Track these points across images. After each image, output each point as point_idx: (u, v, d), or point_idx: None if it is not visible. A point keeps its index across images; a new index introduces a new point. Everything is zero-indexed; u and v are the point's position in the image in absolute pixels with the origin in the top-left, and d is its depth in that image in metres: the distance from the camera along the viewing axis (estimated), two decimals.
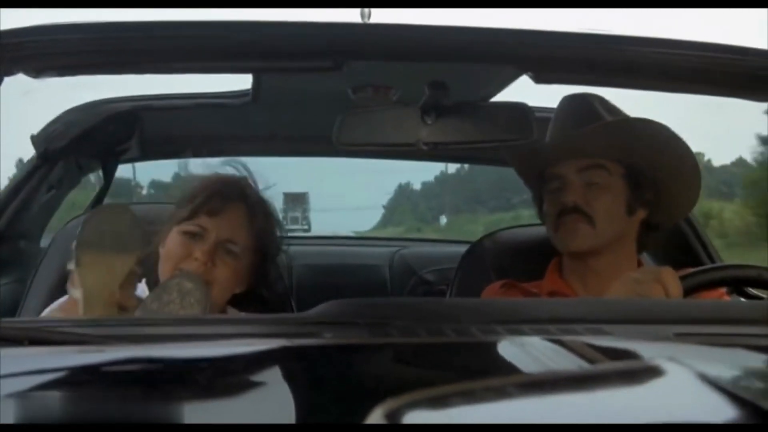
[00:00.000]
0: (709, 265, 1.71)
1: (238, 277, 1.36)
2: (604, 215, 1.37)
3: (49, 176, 1.96)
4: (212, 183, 1.38)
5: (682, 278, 1.16)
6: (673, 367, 0.50)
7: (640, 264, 1.48)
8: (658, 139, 1.39)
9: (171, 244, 1.34)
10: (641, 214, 1.42)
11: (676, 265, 1.25)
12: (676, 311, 0.95)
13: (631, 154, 1.38)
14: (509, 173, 1.66)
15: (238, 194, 1.38)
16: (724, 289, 1.38)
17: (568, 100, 1.47)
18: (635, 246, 1.45)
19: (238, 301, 1.41)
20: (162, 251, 1.36)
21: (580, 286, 1.44)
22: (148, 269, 1.39)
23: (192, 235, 1.32)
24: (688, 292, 1.16)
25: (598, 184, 1.38)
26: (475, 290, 1.60)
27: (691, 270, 1.21)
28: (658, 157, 1.39)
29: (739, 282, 1.27)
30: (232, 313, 1.38)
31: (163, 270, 1.34)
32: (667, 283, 1.13)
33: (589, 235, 1.37)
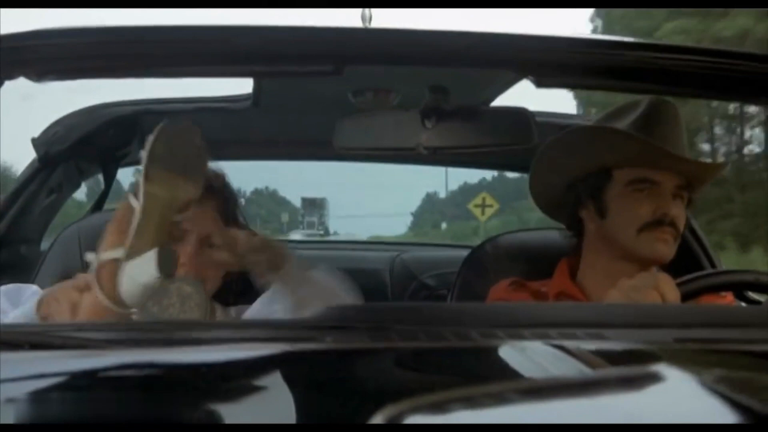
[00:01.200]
0: (706, 271, 1.71)
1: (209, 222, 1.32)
2: (681, 230, 1.40)
3: (49, 180, 1.96)
4: None
5: (679, 284, 1.16)
6: (672, 372, 0.50)
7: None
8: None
9: None
10: None
11: (677, 270, 1.25)
12: (676, 316, 0.95)
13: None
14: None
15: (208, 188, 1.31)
16: (728, 295, 1.38)
17: (664, 105, 1.44)
18: None
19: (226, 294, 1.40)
20: None
21: (601, 289, 1.42)
22: None
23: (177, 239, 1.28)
24: (686, 297, 1.16)
25: (680, 201, 1.40)
26: (476, 294, 1.60)
27: (688, 276, 1.21)
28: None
29: (736, 287, 1.27)
30: (218, 310, 1.38)
31: None
32: (663, 290, 1.13)
33: (674, 248, 1.39)
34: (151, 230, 1.07)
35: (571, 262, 1.49)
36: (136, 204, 1.08)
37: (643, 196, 1.38)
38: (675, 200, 1.38)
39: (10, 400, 0.57)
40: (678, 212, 1.38)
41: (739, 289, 1.30)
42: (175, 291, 1.16)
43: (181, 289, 1.17)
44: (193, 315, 1.15)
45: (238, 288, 1.43)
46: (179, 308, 1.16)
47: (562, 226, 1.53)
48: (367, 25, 1.29)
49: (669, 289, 1.13)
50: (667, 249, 1.37)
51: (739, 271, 1.21)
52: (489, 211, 13.75)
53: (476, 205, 13.80)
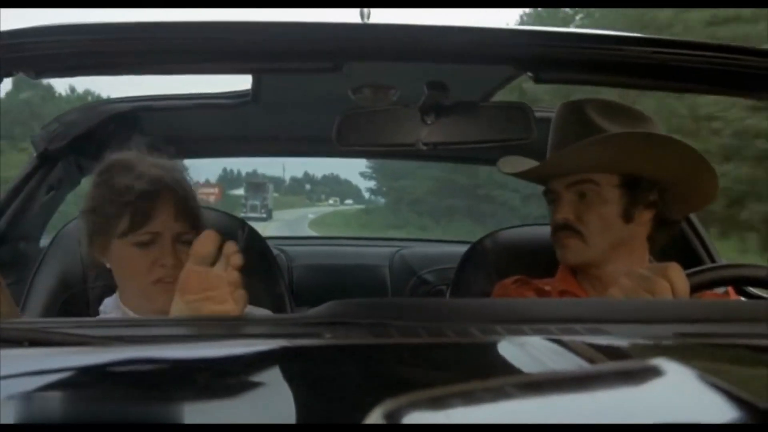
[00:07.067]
0: (717, 264, 1.70)
1: None
2: (595, 229, 1.38)
3: (48, 177, 1.96)
4: (136, 182, 1.30)
5: (689, 275, 1.15)
6: (672, 367, 0.50)
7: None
8: (649, 147, 1.36)
9: (126, 259, 1.29)
10: (646, 215, 1.40)
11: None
12: (676, 311, 0.95)
13: (623, 165, 1.36)
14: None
15: (164, 183, 1.32)
16: (723, 291, 1.37)
17: (562, 110, 1.46)
18: (646, 246, 1.44)
19: None
20: (114, 267, 1.32)
21: (591, 289, 1.43)
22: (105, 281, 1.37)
23: (145, 245, 1.28)
24: (694, 289, 1.15)
25: (588, 198, 1.38)
26: (476, 290, 1.60)
27: (699, 267, 1.20)
28: (655, 163, 1.36)
29: (745, 281, 1.26)
30: None
31: (130, 286, 1.31)
32: (673, 279, 1.12)
33: (580, 249, 1.38)
34: None
35: None
36: None
37: (553, 206, 1.43)
38: (581, 199, 1.38)
39: (10, 397, 0.57)
40: (576, 211, 1.38)
41: (749, 284, 1.30)
42: None
43: None
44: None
45: None
46: None
47: None
48: (366, 21, 1.28)
49: (679, 279, 1.12)
50: (566, 252, 1.40)
51: (749, 266, 1.21)
52: None
53: None
